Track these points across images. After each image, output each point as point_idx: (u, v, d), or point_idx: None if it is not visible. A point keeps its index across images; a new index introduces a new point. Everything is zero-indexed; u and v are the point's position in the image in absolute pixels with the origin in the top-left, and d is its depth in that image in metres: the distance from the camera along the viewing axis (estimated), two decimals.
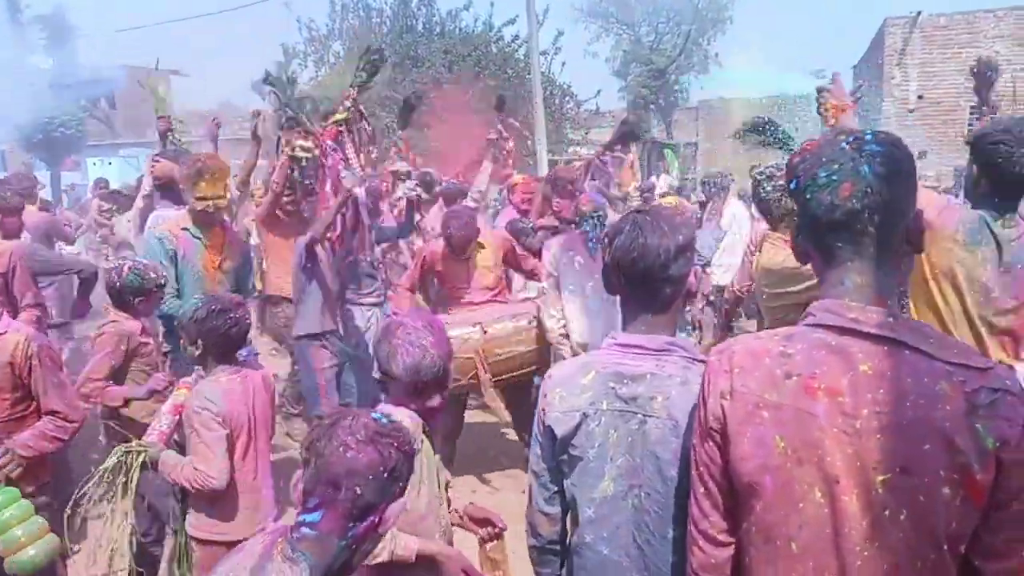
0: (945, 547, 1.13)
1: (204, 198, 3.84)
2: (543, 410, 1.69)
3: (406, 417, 1.94)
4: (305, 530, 1.33)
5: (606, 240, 1.65)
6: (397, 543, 1.90)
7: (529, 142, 13.41)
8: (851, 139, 1.23)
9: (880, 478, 1.14)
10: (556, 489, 1.72)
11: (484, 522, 2.23)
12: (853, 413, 1.16)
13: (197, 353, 2.67)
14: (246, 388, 2.68)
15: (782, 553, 1.22)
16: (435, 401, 1.99)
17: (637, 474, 1.56)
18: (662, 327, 1.62)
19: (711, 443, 1.30)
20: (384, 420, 1.40)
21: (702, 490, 1.33)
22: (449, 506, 2.21)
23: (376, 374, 2.05)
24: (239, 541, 1.65)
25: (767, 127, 5.81)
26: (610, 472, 1.58)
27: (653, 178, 11.52)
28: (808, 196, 1.23)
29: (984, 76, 4.78)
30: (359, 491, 1.31)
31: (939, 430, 1.11)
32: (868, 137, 1.23)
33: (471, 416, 6.16)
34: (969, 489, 1.11)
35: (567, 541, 1.75)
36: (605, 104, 18.07)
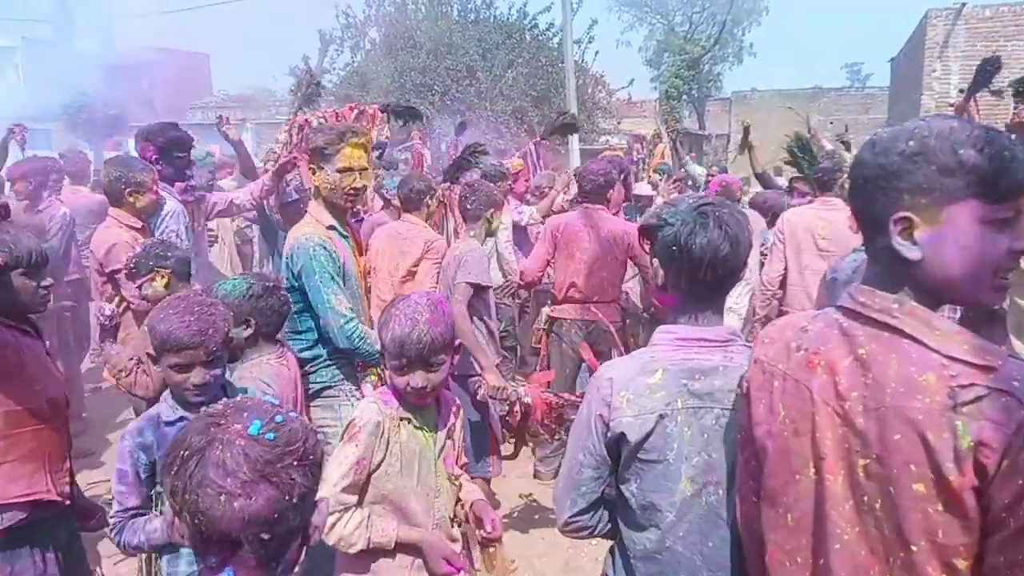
0: (915, 549, 1.07)
1: (349, 168, 2.89)
2: (600, 416, 1.59)
3: (372, 409, 1.99)
4: None
5: (675, 237, 1.54)
6: (374, 530, 1.92)
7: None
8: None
9: (862, 462, 1.13)
10: (595, 499, 1.66)
11: (479, 522, 2.17)
12: (845, 395, 1.16)
13: (247, 334, 2.49)
14: (291, 372, 2.60)
15: (782, 523, 1.25)
16: (416, 380, 1.95)
17: (713, 470, 1.53)
18: (719, 319, 1.61)
19: (745, 406, 1.37)
20: (259, 428, 1.06)
21: (742, 456, 1.40)
22: (458, 502, 2.19)
23: (378, 345, 2.08)
24: None
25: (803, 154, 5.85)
26: (687, 472, 1.54)
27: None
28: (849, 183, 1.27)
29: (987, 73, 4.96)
30: (265, 538, 1.04)
31: (912, 421, 1.07)
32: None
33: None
34: (948, 493, 1.04)
35: (634, 546, 1.65)
36: (637, 94, 17.97)
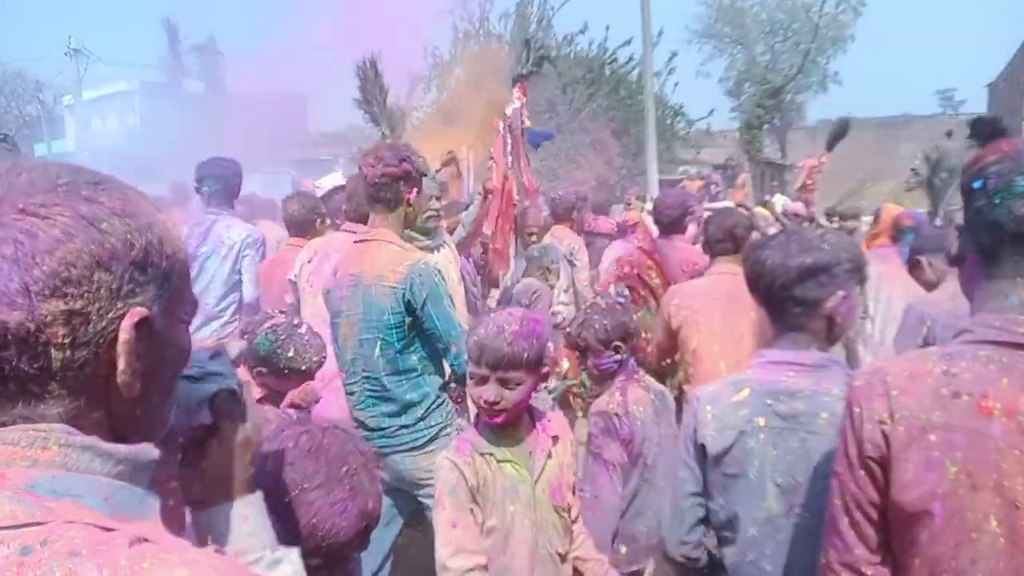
0: None
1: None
2: (694, 429, 1.66)
3: (446, 467, 1.84)
4: None
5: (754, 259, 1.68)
6: None
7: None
8: None
9: None
10: (701, 515, 1.70)
11: None
12: None
13: None
14: None
15: None
16: (490, 393, 1.81)
17: (798, 493, 1.54)
18: (807, 343, 1.60)
19: (864, 472, 1.21)
20: None
21: (847, 521, 1.25)
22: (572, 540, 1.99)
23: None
24: None
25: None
26: (771, 491, 1.56)
27: (767, 198, 11.39)
28: (997, 200, 1.15)
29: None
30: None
31: None
32: None
33: None
34: None
35: (717, 558, 1.72)
36: (717, 124, 17.94)
